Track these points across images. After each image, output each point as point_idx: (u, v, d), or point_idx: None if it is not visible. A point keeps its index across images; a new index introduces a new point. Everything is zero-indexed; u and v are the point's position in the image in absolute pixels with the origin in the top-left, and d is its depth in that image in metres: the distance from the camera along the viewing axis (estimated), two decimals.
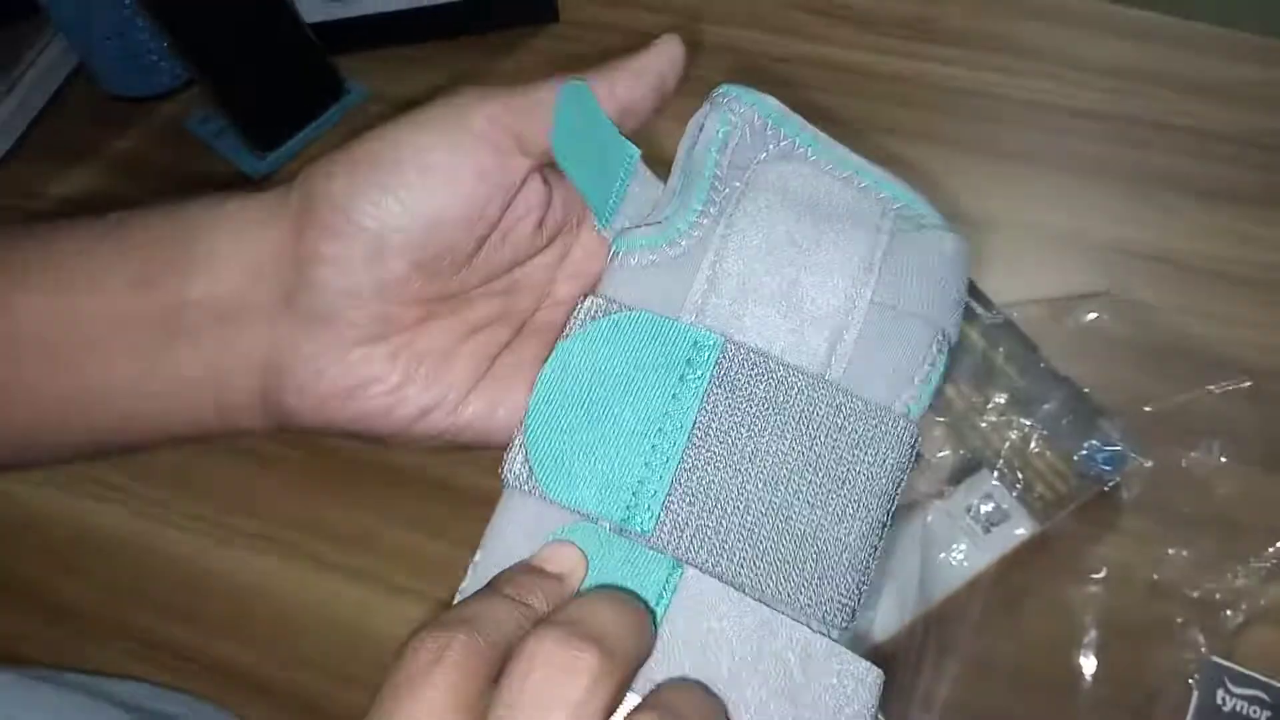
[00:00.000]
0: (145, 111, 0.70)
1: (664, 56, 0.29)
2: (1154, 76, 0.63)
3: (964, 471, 0.50)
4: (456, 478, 0.55)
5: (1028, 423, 0.51)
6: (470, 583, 0.28)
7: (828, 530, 0.27)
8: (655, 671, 0.26)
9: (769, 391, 0.28)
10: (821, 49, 0.66)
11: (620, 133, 0.30)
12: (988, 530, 0.49)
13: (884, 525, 0.29)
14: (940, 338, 0.30)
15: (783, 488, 0.27)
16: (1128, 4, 0.66)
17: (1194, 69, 0.63)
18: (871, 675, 0.27)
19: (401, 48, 0.69)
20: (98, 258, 0.27)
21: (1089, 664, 0.47)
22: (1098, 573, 0.49)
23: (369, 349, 0.28)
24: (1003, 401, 0.52)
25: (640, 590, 0.27)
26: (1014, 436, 0.51)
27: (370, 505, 0.54)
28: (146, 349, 0.27)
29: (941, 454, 0.51)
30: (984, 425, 0.51)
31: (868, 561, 0.28)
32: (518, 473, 0.28)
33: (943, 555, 0.49)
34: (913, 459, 0.29)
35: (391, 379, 0.28)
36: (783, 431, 0.28)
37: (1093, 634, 0.48)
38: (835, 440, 0.28)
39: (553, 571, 0.26)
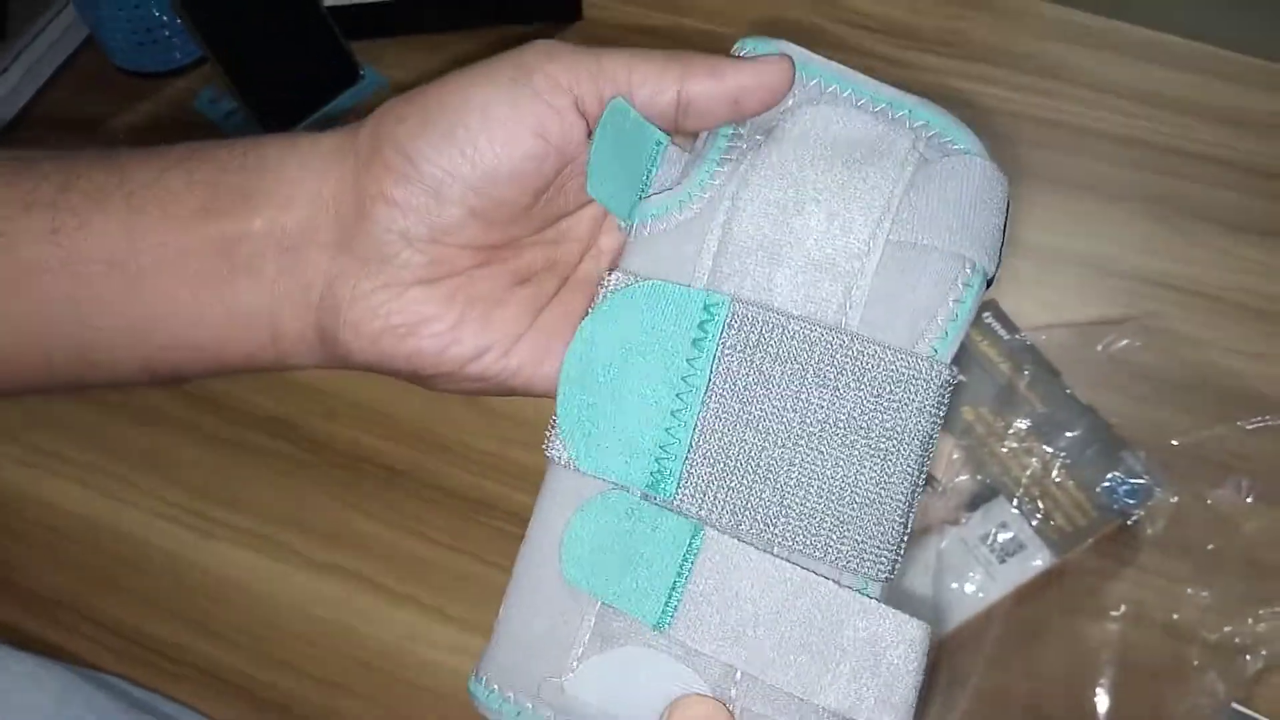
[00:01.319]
0: (154, 88, 0.69)
1: (761, 73, 0.28)
2: (1187, 104, 0.62)
3: (981, 498, 0.49)
4: (449, 478, 0.53)
5: (1049, 451, 0.49)
6: (521, 561, 0.29)
7: (854, 481, 0.27)
8: (679, 631, 0.26)
9: (782, 347, 0.27)
10: (848, 59, 0.65)
11: (664, 126, 0.29)
12: (1003, 560, 0.47)
13: (918, 473, 0.28)
14: (968, 269, 0.28)
15: (804, 442, 0.27)
16: (1158, 29, 0.65)
17: (1228, 99, 0.62)
18: (914, 630, 0.27)
19: (421, 36, 0.68)
20: (167, 185, 0.28)
21: (1103, 704, 0.46)
22: (1115, 610, 0.48)
23: (425, 289, 0.28)
24: (1024, 428, 0.50)
25: (663, 553, 0.27)
26: (1035, 464, 0.49)
27: (360, 503, 0.53)
28: (208, 277, 0.28)
29: (959, 479, 0.49)
30: (1004, 451, 0.50)
31: (903, 511, 0.27)
32: (556, 448, 0.28)
33: (956, 584, 0.47)
34: (945, 401, 0.28)
35: (447, 319, 0.29)
36: (799, 385, 0.27)
37: (1108, 673, 0.46)
38: (854, 389, 0.27)
39: None
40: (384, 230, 0.27)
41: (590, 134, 0.29)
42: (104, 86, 0.69)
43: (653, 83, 0.28)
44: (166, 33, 0.67)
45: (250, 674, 0.49)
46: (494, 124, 0.27)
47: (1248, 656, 0.46)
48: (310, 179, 0.28)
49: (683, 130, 0.30)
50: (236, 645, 0.50)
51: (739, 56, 0.29)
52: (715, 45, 0.30)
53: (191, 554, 0.52)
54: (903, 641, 0.26)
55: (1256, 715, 0.44)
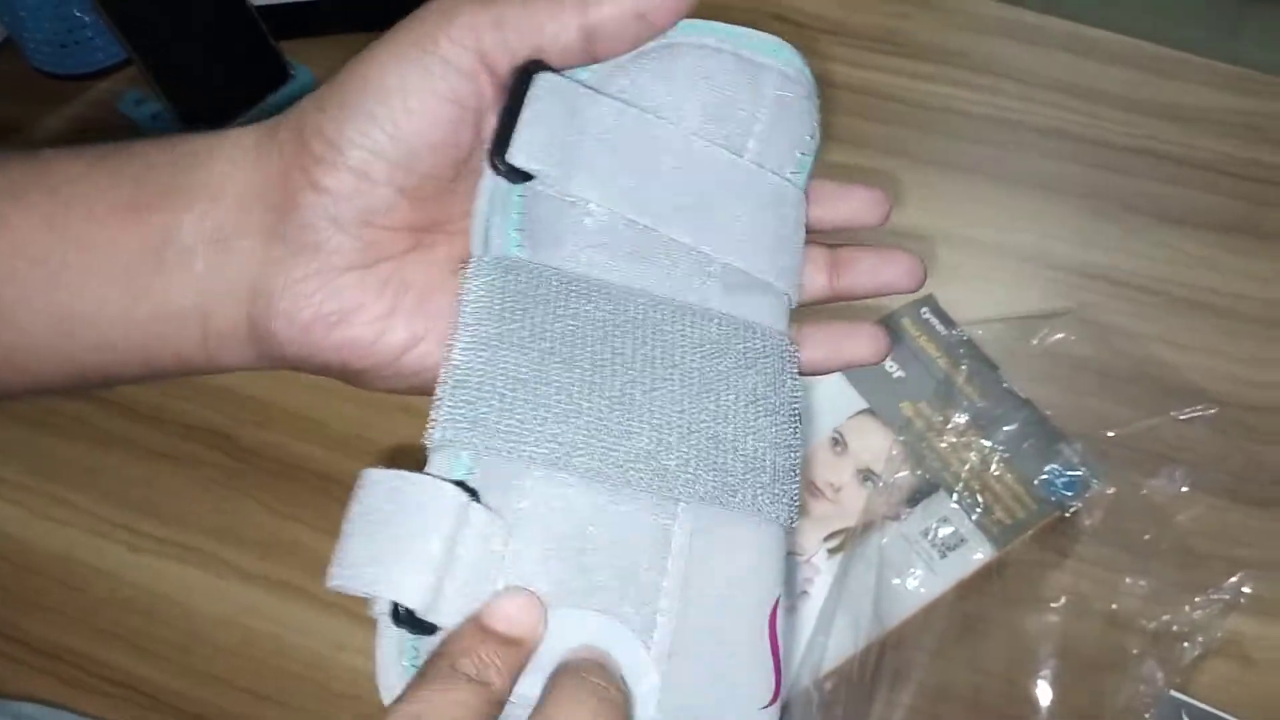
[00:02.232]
0: (76, 90, 0.67)
1: None
2: (1122, 99, 0.63)
3: (921, 493, 0.49)
4: None
5: (988, 444, 0.49)
6: None
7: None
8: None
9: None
10: None
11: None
12: (944, 555, 0.47)
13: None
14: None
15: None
16: (1098, 26, 0.66)
17: (1163, 94, 0.63)
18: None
19: (353, 35, 0.67)
20: (94, 181, 0.28)
21: (1045, 695, 0.46)
22: (1056, 601, 0.48)
23: (356, 275, 0.28)
24: (963, 422, 0.50)
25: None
26: (973, 458, 0.49)
27: (292, 512, 0.51)
28: (137, 274, 0.28)
29: (899, 474, 0.49)
30: (943, 446, 0.50)
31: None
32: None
33: (898, 580, 0.47)
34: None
35: (379, 306, 0.28)
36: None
37: (1050, 664, 0.46)
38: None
39: (512, 636, 0.24)
40: (314, 216, 0.27)
41: (500, 87, 0.28)
42: (23, 90, 0.67)
43: (553, 20, 0.27)
44: (89, 33, 0.65)
45: (179, 690, 0.47)
46: (410, 98, 0.27)
47: (1185, 644, 0.46)
48: (238, 172, 0.28)
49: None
50: (166, 660, 0.48)
51: None
52: None
53: (120, 569, 0.50)
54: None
55: (1194, 701, 0.45)
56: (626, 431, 0.26)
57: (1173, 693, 0.45)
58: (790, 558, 0.47)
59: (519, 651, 0.24)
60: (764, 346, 0.28)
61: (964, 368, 0.51)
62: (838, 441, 0.50)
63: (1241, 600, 0.47)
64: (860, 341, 0.32)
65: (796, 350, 0.29)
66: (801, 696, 0.44)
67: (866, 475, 0.49)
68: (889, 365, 0.52)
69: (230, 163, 0.28)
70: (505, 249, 0.28)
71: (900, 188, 0.60)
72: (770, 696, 0.26)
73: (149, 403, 0.55)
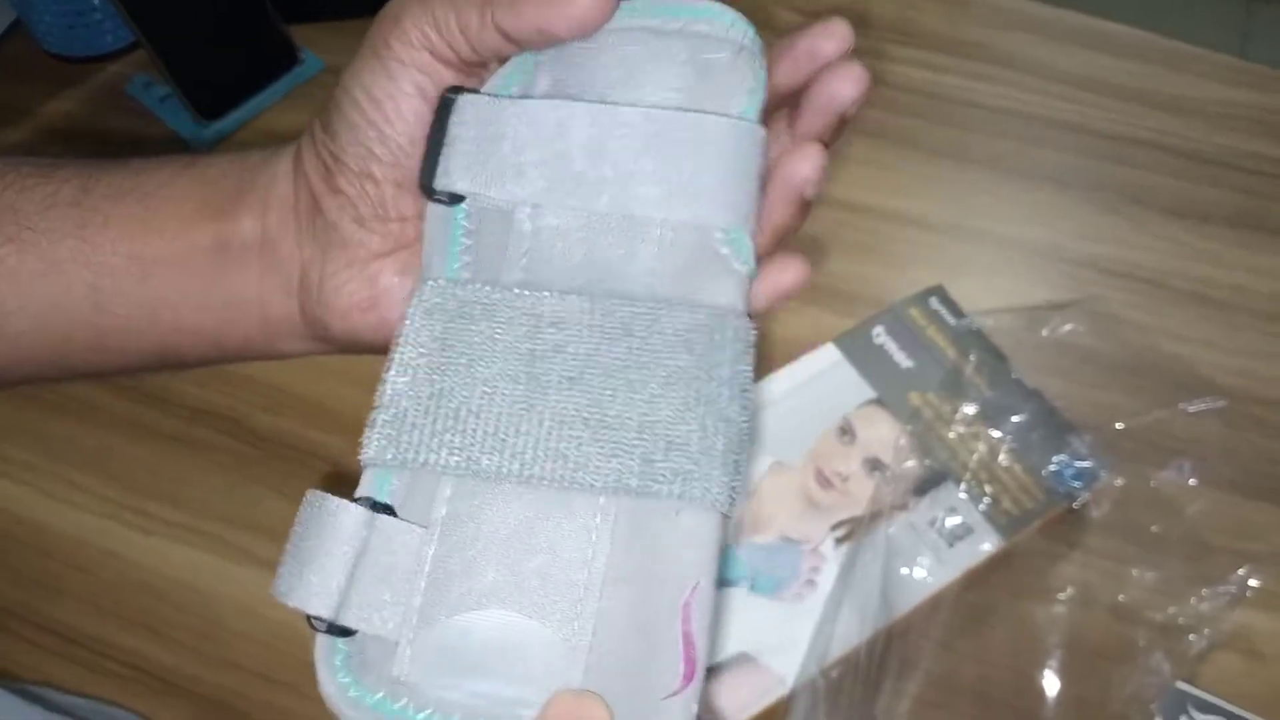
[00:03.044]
0: (85, 73, 0.67)
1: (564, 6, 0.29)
2: (1132, 92, 0.63)
3: (929, 483, 0.49)
4: None
5: (996, 435, 0.49)
6: None
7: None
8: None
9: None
10: None
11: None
12: (952, 544, 0.47)
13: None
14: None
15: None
16: (1105, 18, 0.65)
17: (1173, 87, 0.63)
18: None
19: (361, 20, 0.66)
20: (180, 187, 0.32)
21: (1052, 686, 0.46)
22: (1063, 592, 0.48)
23: (382, 263, 0.31)
24: (971, 412, 0.50)
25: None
26: (981, 449, 0.49)
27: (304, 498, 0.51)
28: (208, 269, 0.32)
29: (907, 464, 0.49)
30: (951, 436, 0.50)
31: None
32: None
33: (905, 569, 0.47)
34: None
35: (405, 288, 0.31)
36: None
37: (1057, 655, 0.46)
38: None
39: None
40: (337, 218, 0.30)
41: (466, 66, 0.29)
42: (32, 72, 0.66)
43: (474, 26, 0.29)
44: (98, 16, 0.65)
45: (192, 674, 0.48)
46: (383, 102, 0.29)
47: (1192, 636, 0.46)
48: (279, 185, 0.32)
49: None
50: (179, 644, 0.48)
51: None
52: None
53: (133, 553, 0.51)
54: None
55: (1201, 693, 0.45)
56: (531, 432, 0.26)
57: (1179, 684, 0.45)
58: (796, 546, 0.47)
59: None
60: (695, 323, 0.28)
61: (973, 358, 0.51)
62: (846, 431, 0.50)
63: (1249, 593, 0.47)
64: (789, 269, 0.31)
65: (743, 319, 0.29)
66: (808, 685, 0.44)
67: (874, 465, 0.49)
68: (897, 355, 0.52)
69: (275, 177, 0.32)
70: (446, 270, 0.29)
71: (910, 178, 0.60)
72: (677, 684, 0.25)
73: (160, 387, 0.55)
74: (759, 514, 0.48)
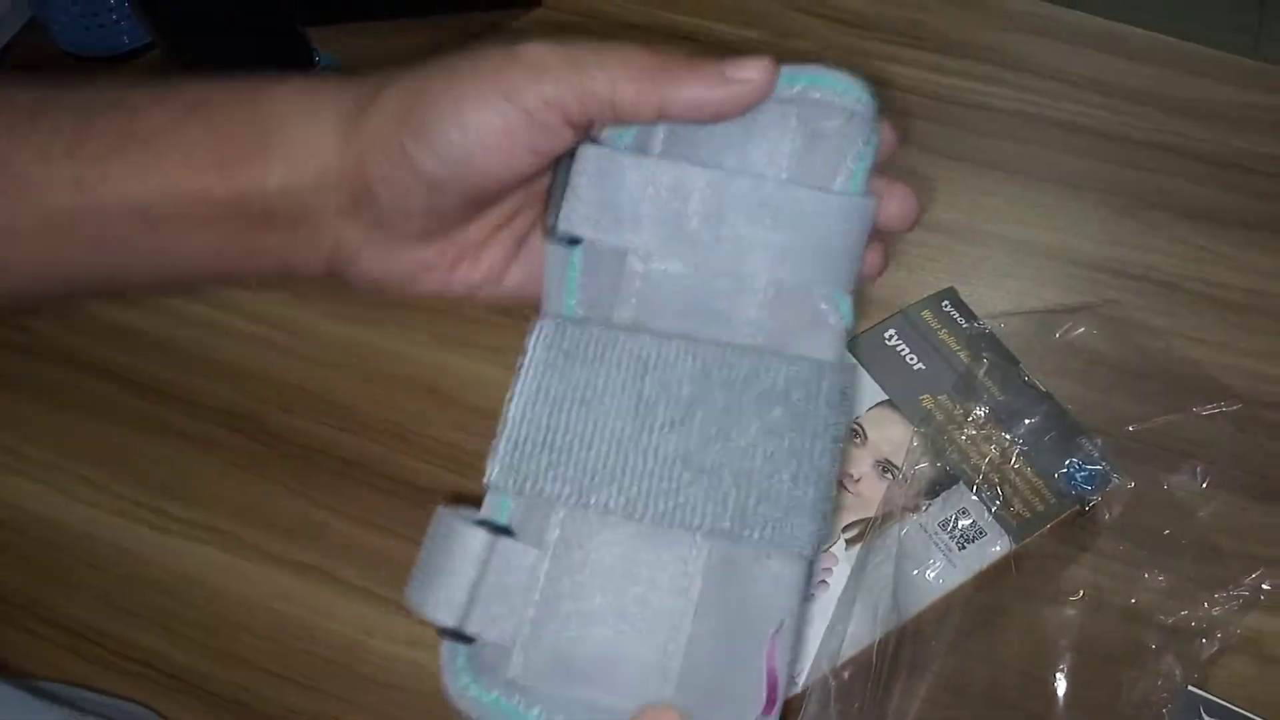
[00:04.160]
0: (100, 72, 0.67)
1: (734, 95, 0.29)
2: (1146, 96, 0.63)
3: (941, 485, 0.49)
4: (409, 471, 0.52)
5: (1008, 438, 0.49)
6: None
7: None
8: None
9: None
10: (808, 48, 0.65)
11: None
12: (963, 546, 0.47)
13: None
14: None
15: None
16: (1118, 20, 0.65)
17: (1186, 90, 0.63)
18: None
19: (378, 22, 0.67)
20: (184, 134, 0.30)
21: (1062, 688, 0.46)
22: (1074, 595, 0.48)
23: (422, 246, 0.32)
24: (983, 415, 0.50)
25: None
26: (993, 451, 0.49)
27: (318, 496, 0.52)
28: (226, 223, 0.30)
29: (919, 466, 0.49)
30: (963, 438, 0.50)
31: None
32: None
33: (916, 571, 0.47)
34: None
35: (441, 267, 0.32)
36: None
37: (1067, 658, 0.46)
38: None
39: None
40: (389, 210, 0.30)
41: (578, 138, 0.30)
42: (48, 71, 0.67)
43: (633, 105, 0.29)
44: (114, 16, 0.65)
45: (204, 671, 0.48)
46: (490, 146, 0.29)
47: (1203, 640, 0.46)
48: (319, 153, 0.30)
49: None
50: (191, 641, 0.49)
51: (724, 73, 0.30)
52: (668, 34, 0.29)
53: (146, 550, 0.51)
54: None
55: (1213, 697, 0.45)
56: (637, 470, 0.28)
57: (1191, 688, 0.45)
58: None
59: None
60: (794, 375, 0.29)
61: (985, 361, 0.51)
62: (857, 433, 0.50)
63: (1261, 597, 0.47)
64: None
65: (839, 371, 0.30)
66: (819, 685, 0.44)
67: (886, 467, 0.49)
68: (909, 358, 0.52)
69: (309, 141, 0.30)
70: (564, 308, 0.31)
71: (924, 182, 0.60)
72: (758, 712, 0.28)
73: (174, 384, 0.55)
74: None
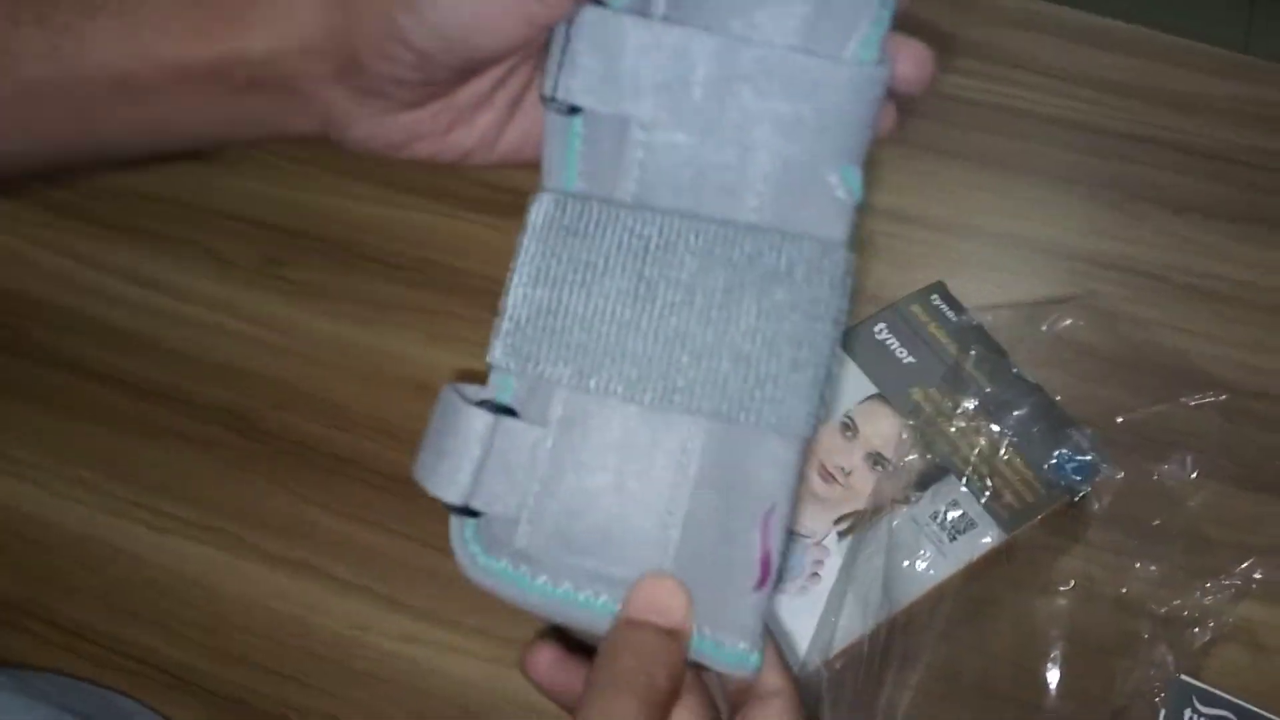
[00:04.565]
0: None
1: None
2: (1132, 89, 0.63)
3: (931, 477, 0.49)
4: (401, 467, 0.52)
5: (997, 429, 0.50)
6: None
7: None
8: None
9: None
10: None
11: None
12: (954, 538, 0.48)
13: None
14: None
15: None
16: (1103, 15, 0.66)
17: (1172, 83, 0.63)
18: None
19: None
20: (160, 2, 0.29)
21: (1054, 678, 0.46)
22: (1065, 585, 0.48)
23: (415, 111, 0.31)
24: (972, 407, 0.50)
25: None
26: (983, 443, 0.50)
27: (311, 493, 0.52)
28: (210, 93, 0.30)
29: (909, 458, 0.49)
30: (952, 430, 0.50)
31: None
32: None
33: (907, 562, 0.47)
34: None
35: (435, 130, 0.32)
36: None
37: (1058, 648, 0.47)
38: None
39: (664, 628, 0.28)
40: (380, 80, 0.30)
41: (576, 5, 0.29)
42: None
43: None
44: None
45: (201, 669, 0.48)
46: (483, 15, 0.28)
47: (1195, 629, 0.47)
48: (302, 26, 0.29)
49: None
50: (188, 639, 0.49)
51: None
52: None
53: (142, 549, 0.51)
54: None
55: (1205, 686, 0.45)
56: (636, 352, 0.28)
57: (1183, 677, 0.45)
58: (800, 540, 0.48)
59: (676, 647, 0.27)
60: (797, 255, 0.29)
61: (973, 353, 0.52)
62: (848, 426, 0.51)
63: (1253, 586, 0.47)
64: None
65: (842, 252, 0.29)
66: (811, 676, 0.45)
67: (876, 459, 0.50)
68: (899, 351, 0.53)
69: (290, 9, 0.29)
70: (564, 182, 0.30)
71: (910, 175, 0.60)
72: (752, 585, 0.28)
73: (166, 383, 0.55)
74: None
